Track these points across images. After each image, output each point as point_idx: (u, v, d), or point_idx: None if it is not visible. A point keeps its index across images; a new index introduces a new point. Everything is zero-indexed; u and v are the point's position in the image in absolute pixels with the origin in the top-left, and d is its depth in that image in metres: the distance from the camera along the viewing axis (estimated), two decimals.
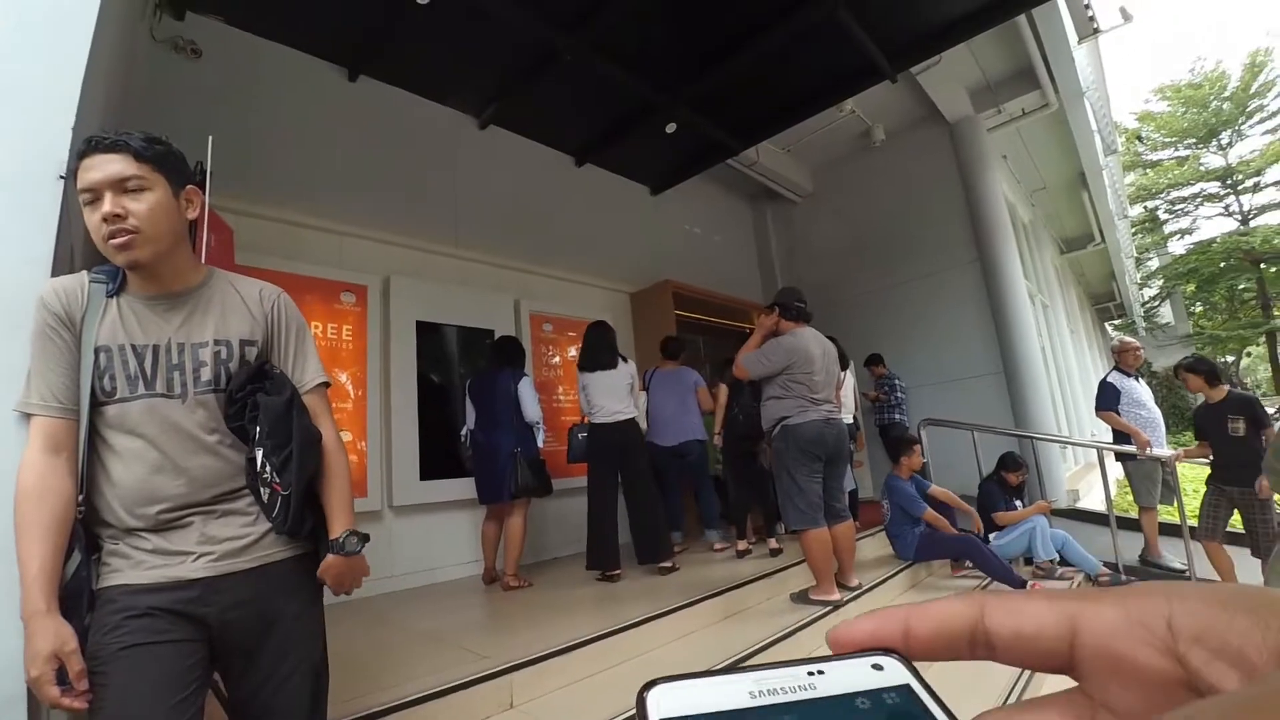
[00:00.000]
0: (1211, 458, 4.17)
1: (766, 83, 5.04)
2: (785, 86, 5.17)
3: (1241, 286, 19.67)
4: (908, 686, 0.20)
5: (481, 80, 4.89)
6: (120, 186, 1.12)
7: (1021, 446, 5.45)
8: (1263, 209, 19.17)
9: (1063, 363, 9.03)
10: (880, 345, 6.41)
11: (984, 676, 2.56)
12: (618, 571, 3.83)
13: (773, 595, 3.57)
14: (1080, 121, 7.16)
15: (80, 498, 1.13)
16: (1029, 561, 4.46)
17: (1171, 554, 4.57)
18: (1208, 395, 4.22)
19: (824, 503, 3.33)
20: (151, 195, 1.15)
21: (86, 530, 1.14)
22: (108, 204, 1.10)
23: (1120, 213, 12.39)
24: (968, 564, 4.20)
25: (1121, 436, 4.68)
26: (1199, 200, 20.60)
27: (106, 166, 1.11)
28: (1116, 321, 22.31)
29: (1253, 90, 18.59)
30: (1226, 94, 19.13)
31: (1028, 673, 2.53)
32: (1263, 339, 19.90)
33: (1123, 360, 4.87)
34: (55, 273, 1.24)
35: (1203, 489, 4.23)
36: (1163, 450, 4.53)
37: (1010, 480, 4.62)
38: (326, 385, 1.40)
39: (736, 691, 0.20)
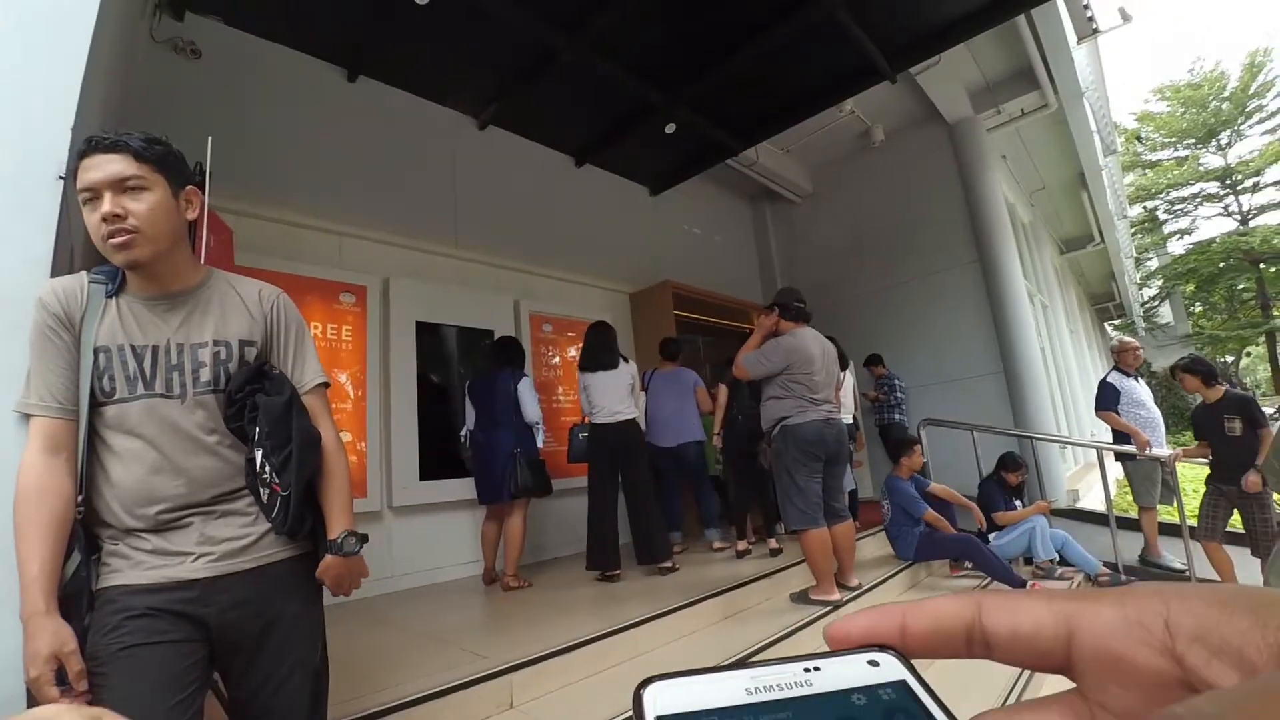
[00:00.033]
0: (1210, 458, 4.17)
1: (766, 83, 5.04)
2: (785, 87, 5.17)
3: (1241, 286, 19.69)
4: (904, 683, 0.20)
5: (481, 80, 4.89)
6: (120, 186, 1.12)
7: (1021, 446, 5.45)
8: (1262, 209, 19.21)
9: (1062, 363, 9.03)
10: (880, 345, 6.42)
11: (984, 677, 2.56)
12: (617, 572, 3.83)
13: (772, 595, 3.57)
14: (1079, 122, 7.16)
15: (80, 498, 1.13)
16: (1029, 561, 4.46)
17: (1171, 554, 4.57)
18: (1205, 395, 4.23)
19: (824, 503, 3.34)
20: (151, 195, 1.15)
21: (86, 531, 1.14)
22: (107, 204, 1.10)
23: (1119, 213, 12.40)
24: (967, 564, 4.20)
25: (1121, 436, 4.68)
26: (1198, 200, 20.63)
27: (106, 166, 1.11)
28: (1116, 321, 22.31)
29: (1252, 90, 18.61)
30: (1226, 94, 19.16)
31: (1027, 673, 2.53)
32: (1262, 339, 19.93)
33: (1122, 360, 4.87)
34: (55, 273, 1.24)
35: (1202, 489, 4.23)
36: (1162, 450, 4.53)
37: (1010, 480, 4.62)
38: (326, 386, 1.40)
39: (733, 688, 0.20)
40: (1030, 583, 3.97)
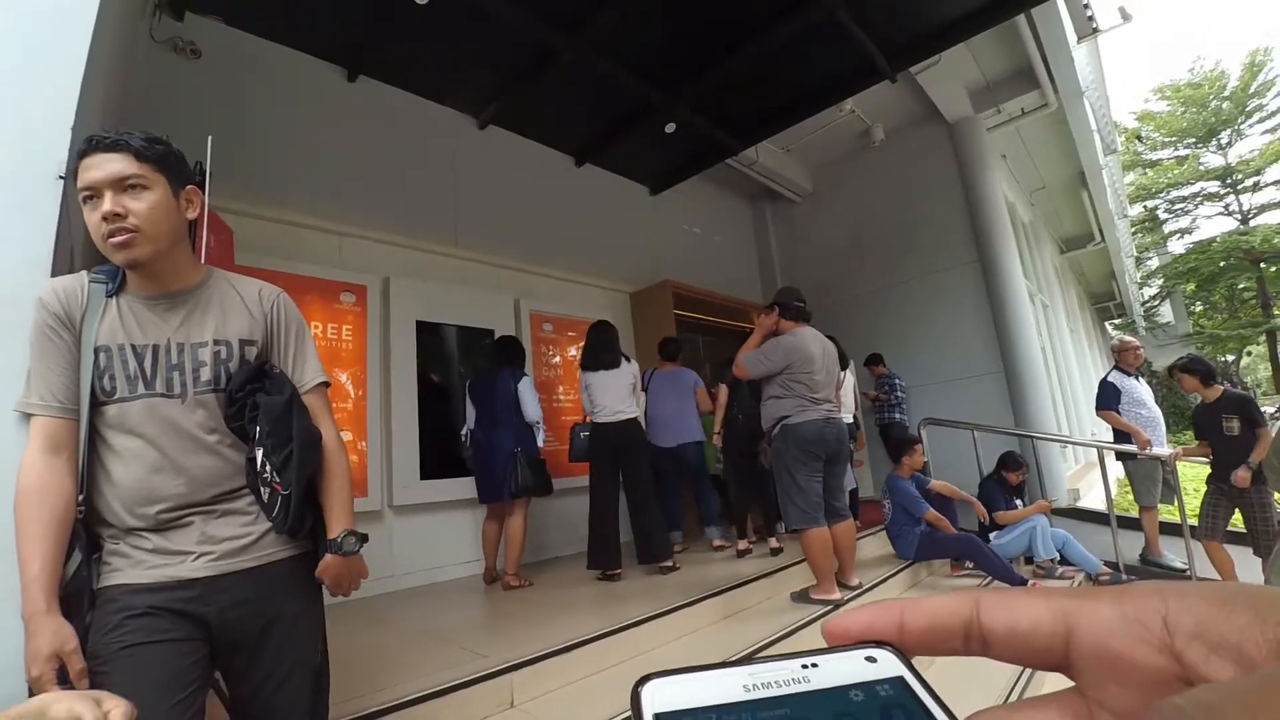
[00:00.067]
0: (1211, 457, 4.17)
1: (766, 83, 5.03)
2: (785, 86, 5.17)
3: (1241, 286, 19.67)
4: (901, 679, 0.20)
5: (480, 80, 4.89)
6: (120, 185, 1.12)
7: (1022, 446, 5.45)
8: (1262, 208, 19.19)
9: (1063, 362, 9.03)
10: (880, 345, 6.41)
11: (984, 676, 2.56)
12: (618, 571, 3.83)
13: (773, 595, 3.57)
14: (1080, 121, 7.16)
15: (80, 497, 1.13)
16: (1030, 561, 4.46)
17: (1172, 553, 4.57)
18: (1203, 395, 4.23)
19: (824, 502, 3.34)
20: (151, 195, 1.15)
21: (87, 530, 1.14)
22: (108, 203, 1.10)
23: (1120, 212, 12.40)
24: (968, 564, 4.20)
25: (1122, 436, 4.68)
26: (1199, 199, 20.61)
27: (107, 165, 1.11)
28: (1116, 321, 22.32)
29: (1252, 90, 18.59)
30: (1226, 93, 19.14)
31: (1028, 672, 2.53)
32: (1263, 338, 19.91)
33: (1123, 359, 4.87)
34: (55, 273, 1.24)
35: (1203, 488, 4.23)
36: (1162, 449, 4.53)
37: (1010, 480, 4.62)
38: (326, 385, 1.40)
39: (731, 685, 0.20)
40: (1031, 582, 3.97)
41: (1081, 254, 12.78)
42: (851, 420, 4.77)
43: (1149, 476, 4.60)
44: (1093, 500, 6.29)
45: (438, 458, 4.36)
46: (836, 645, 0.22)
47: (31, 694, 1.05)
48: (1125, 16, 6.19)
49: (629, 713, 0.19)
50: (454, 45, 4.42)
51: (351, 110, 4.52)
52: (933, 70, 5.73)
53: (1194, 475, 6.19)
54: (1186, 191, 20.64)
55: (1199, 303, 22.78)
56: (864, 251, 7.32)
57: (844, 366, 4.24)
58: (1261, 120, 18.73)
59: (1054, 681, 0.19)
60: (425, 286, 4.59)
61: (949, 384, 6.57)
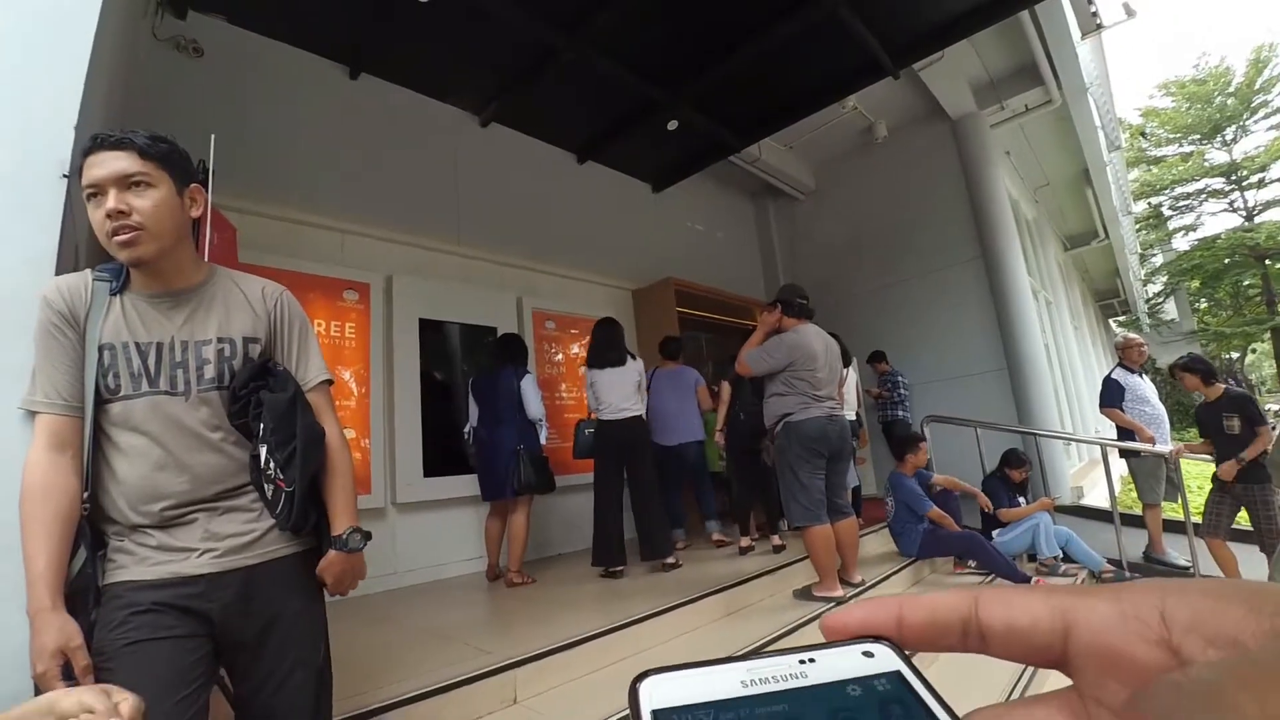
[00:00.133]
0: (1215, 455, 4.16)
1: (766, 82, 5.02)
2: (785, 85, 5.16)
3: (1246, 283, 19.60)
4: (898, 673, 0.20)
5: (481, 80, 4.89)
6: (124, 183, 1.12)
7: (1025, 443, 5.44)
8: (1268, 205, 19.08)
9: (1066, 359, 9.00)
10: (883, 342, 6.41)
11: (984, 674, 2.55)
12: (620, 568, 3.83)
13: (775, 592, 3.57)
14: (1084, 117, 7.13)
15: (85, 495, 1.13)
16: (1033, 558, 4.45)
17: (1176, 551, 4.56)
18: (1205, 394, 4.23)
19: (827, 499, 3.33)
20: (156, 192, 1.15)
21: (92, 527, 1.15)
22: (112, 200, 1.11)
23: (1124, 209, 12.35)
24: (971, 562, 4.20)
25: (1126, 433, 4.67)
26: (1203, 196, 20.50)
27: (111, 163, 1.11)
28: (1121, 318, 22.24)
29: (1257, 86, 18.48)
30: (1231, 89, 19.02)
31: (1029, 670, 2.53)
32: (1267, 335, 19.82)
33: (1127, 357, 4.85)
34: (59, 271, 1.24)
35: (1207, 485, 4.22)
36: (1165, 445, 4.52)
37: (1014, 477, 4.62)
38: (329, 383, 1.40)
39: (729, 681, 0.20)
40: (1034, 579, 3.96)
41: (1085, 251, 12.74)
42: (854, 417, 4.76)
43: (1152, 474, 4.58)
44: (1096, 498, 6.27)
45: (441, 455, 4.36)
46: (834, 640, 0.22)
47: (37, 690, 1.06)
48: (1129, 12, 6.17)
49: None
50: (454, 45, 4.42)
51: (354, 108, 4.52)
52: (936, 66, 5.71)
53: (1198, 473, 6.17)
54: (1191, 188, 20.54)
55: (1203, 300, 22.71)
56: (866, 249, 7.30)
57: (846, 364, 4.24)
58: (1267, 116, 18.61)
59: (1056, 680, 0.19)
60: (428, 284, 4.60)
61: (952, 381, 6.56)
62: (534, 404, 3.84)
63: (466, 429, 4.04)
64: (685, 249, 6.99)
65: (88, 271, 1.20)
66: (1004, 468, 4.65)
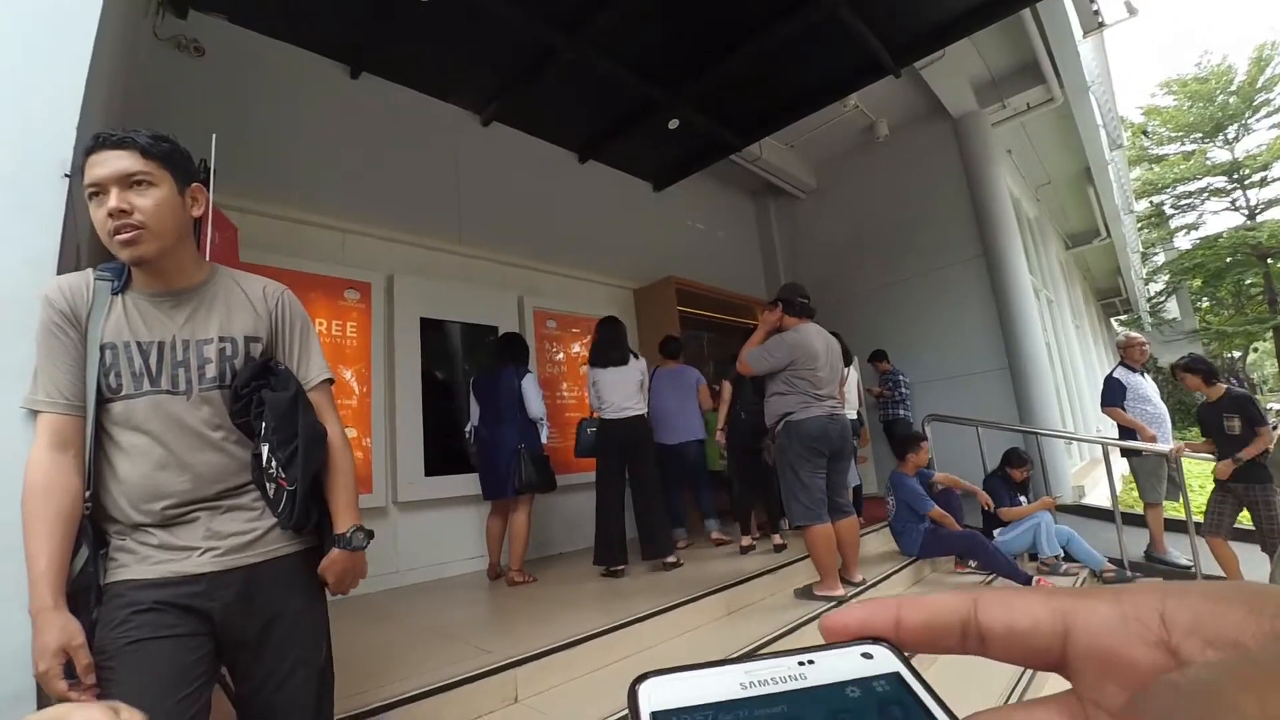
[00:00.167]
0: (1216, 454, 4.15)
1: (768, 81, 5.01)
2: (787, 84, 5.15)
3: (1248, 281, 19.55)
4: (897, 674, 0.20)
5: (481, 79, 4.89)
6: (126, 182, 1.12)
7: (1026, 442, 5.44)
8: (1270, 204, 19.02)
9: (1068, 358, 8.99)
10: (884, 341, 6.40)
11: (983, 678, 2.54)
12: (622, 567, 3.83)
13: (776, 591, 3.57)
14: (1085, 116, 7.12)
15: (87, 494, 1.13)
16: (1034, 558, 4.45)
17: (1177, 550, 4.55)
18: (1206, 394, 4.23)
19: (828, 498, 3.33)
20: (157, 191, 1.15)
21: (94, 526, 1.15)
22: (113, 199, 1.11)
23: (1126, 207, 12.33)
24: (971, 562, 4.19)
25: (1127, 432, 4.66)
26: (1205, 195, 20.45)
27: (113, 162, 1.11)
28: (1122, 317, 22.20)
29: (1259, 84, 18.42)
30: (1233, 88, 18.96)
31: (1029, 673, 2.52)
32: (1269, 334, 19.78)
33: (1128, 355, 4.85)
34: (61, 270, 1.25)
35: (1209, 485, 4.22)
36: (1166, 444, 4.51)
37: (1015, 476, 4.61)
38: (331, 382, 1.40)
39: (728, 683, 0.20)
40: (1036, 578, 3.96)
41: (1087, 249, 12.71)
42: (855, 416, 4.76)
43: (1154, 473, 4.58)
44: (1097, 497, 6.26)
45: (442, 454, 4.36)
46: (833, 641, 0.22)
47: (39, 689, 1.06)
48: (1131, 10, 6.15)
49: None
50: (454, 45, 4.42)
51: (355, 107, 4.52)
52: (937, 65, 5.70)
53: (1199, 472, 6.17)
54: (1193, 186, 20.48)
55: (1205, 298, 22.67)
56: (868, 247, 7.29)
57: (847, 363, 4.23)
58: (1269, 115, 18.55)
59: (1054, 685, 0.19)
60: (429, 283, 4.60)
61: (953, 380, 6.55)
62: (535, 403, 3.84)
63: (468, 428, 4.04)
64: (686, 248, 6.98)
65: (89, 271, 1.20)
66: (1005, 467, 4.64)
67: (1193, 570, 4.14)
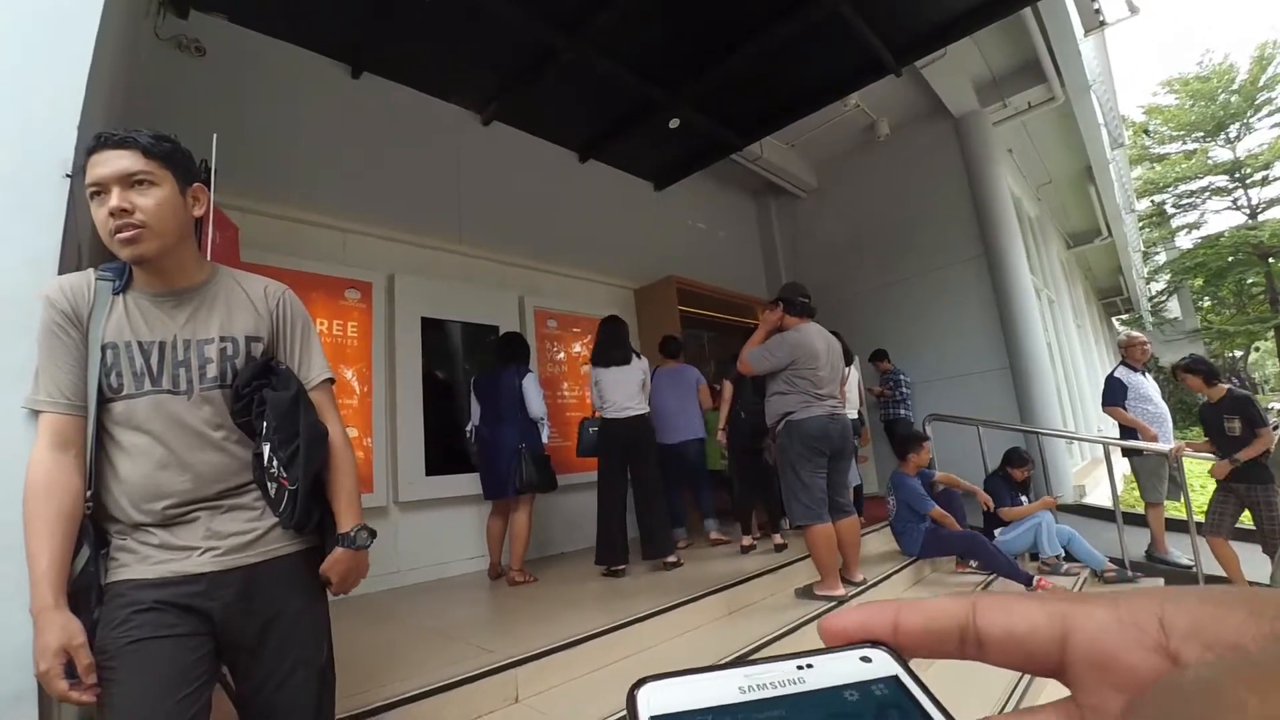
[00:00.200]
0: (1218, 454, 4.15)
1: (768, 80, 5.01)
2: (788, 83, 5.14)
3: (1250, 281, 19.52)
4: (896, 678, 0.20)
5: (481, 79, 4.89)
6: (128, 181, 1.12)
7: (1027, 442, 5.43)
8: (1271, 203, 18.98)
9: (1069, 358, 8.99)
10: (885, 340, 6.40)
11: (981, 683, 2.52)
12: (622, 567, 3.83)
13: (777, 591, 3.57)
14: (1087, 115, 7.11)
15: (88, 493, 1.14)
16: (1035, 557, 4.44)
17: (1178, 550, 4.55)
18: (1207, 394, 4.23)
19: (828, 498, 3.33)
20: (159, 191, 1.15)
21: (95, 526, 1.15)
22: (115, 198, 1.11)
23: (1127, 207, 12.31)
24: (972, 562, 4.19)
25: (1128, 431, 4.66)
26: (1207, 194, 20.41)
27: (115, 162, 1.12)
28: (1124, 316, 22.18)
29: (1261, 83, 18.38)
30: (1234, 87, 18.93)
31: (1027, 678, 2.50)
32: (1271, 334, 19.76)
33: (1130, 355, 4.84)
34: (62, 270, 1.25)
35: (1211, 484, 4.21)
36: (1167, 443, 4.51)
37: (1016, 476, 4.61)
38: (332, 381, 1.40)
39: (726, 687, 0.20)
40: (1037, 578, 3.96)
41: (1088, 249, 12.71)
42: (856, 416, 4.76)
43: (1155, 473, 4.57)
44: (1098, 496, 6.26)
45: (443, 454, 4.37)
46: (832, 645, 0.22)
47: (40, 688, 1.06)
48: (1132, 9, 6.14)
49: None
50: (454, 44, 4.41)
51: (356, 107, 4.52)
52: (938, 64, 5.69)
53: (1200, 471, 6.16)
54: (1194, 186, 20.44)
55: (1207, 298, 22.64)
56: (868, 247, 7.29)
57: (848, 362, 4.23)
58: (1271, 114, 18.52)
59: (1052, 690, 0.19)
60: (430, 283, 4.60)
61: (954, 380, 6.55)
62: (535, 403, 3.84)
63: (468, 428, 4.04)
64: (687, 247, 6.98)
65: (90, 271, 1.20)
66: (1006, 466, 4.64)
67: (1194, 570, 4.14)
